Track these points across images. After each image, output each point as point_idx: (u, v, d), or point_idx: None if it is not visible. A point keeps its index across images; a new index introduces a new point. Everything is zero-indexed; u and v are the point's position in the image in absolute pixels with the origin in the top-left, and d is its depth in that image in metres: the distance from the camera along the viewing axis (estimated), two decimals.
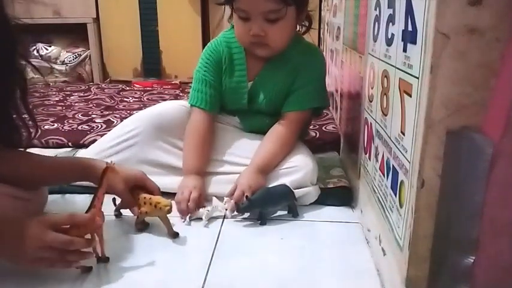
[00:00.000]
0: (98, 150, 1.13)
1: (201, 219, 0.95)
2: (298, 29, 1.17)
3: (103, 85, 2.54)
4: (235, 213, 0.96)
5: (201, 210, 0.97)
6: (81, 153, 1.24)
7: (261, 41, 1.05)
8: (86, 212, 0.77)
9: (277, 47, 1.07)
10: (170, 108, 1.15)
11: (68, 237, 0.72)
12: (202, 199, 1.01)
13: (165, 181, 1.05)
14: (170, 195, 1.03)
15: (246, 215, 0.98)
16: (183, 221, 0.95)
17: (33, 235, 0.70)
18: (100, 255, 0.79)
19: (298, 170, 1.03)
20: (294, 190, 0.98)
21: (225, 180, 1.05)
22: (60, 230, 0.72)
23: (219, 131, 1.15)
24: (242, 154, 1.09)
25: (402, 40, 0.66)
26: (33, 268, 0.75)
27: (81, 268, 0.77)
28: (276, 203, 0.97)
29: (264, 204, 0.95)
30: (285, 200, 0.97)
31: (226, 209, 0.97)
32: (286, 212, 0.99)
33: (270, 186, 1.00)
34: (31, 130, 0.91)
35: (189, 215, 0.96)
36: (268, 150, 1.05)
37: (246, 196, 0.94)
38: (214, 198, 1.01)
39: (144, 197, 0.89)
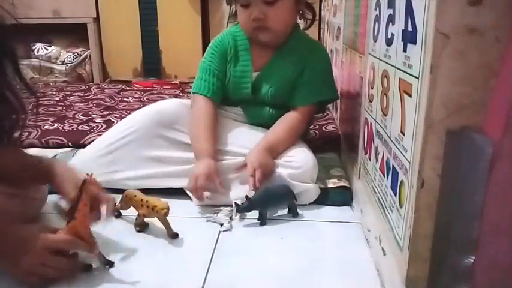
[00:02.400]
0: (98, 148, 1.13)
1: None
2: (300, 21, 1.20)
3: (103, 85, 2.54)
4: (238, 214, 0.96)
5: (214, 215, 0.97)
6: (81, 151, 1.24)
7: (262, 24, 1.08)
8: (67, 223, 0.74)
9: (278, 30, 1.11)
10: (169, 104, 1.15)
11: (67, 260, 0.73)
12: (216, 181, 0.99)
13: (165, 178, 1.06)
14: (169, 195, 1.03)
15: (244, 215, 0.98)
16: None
17: (33, 253, 0.70)
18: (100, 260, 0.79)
19: (297, 165, 1.03)
20: (293, 183, 0.99)
21: (229, 169, 1.05)
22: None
23: (222, 122, 1.15)
24: (244, 145, 1.09)
25: (402, 40, 0.66)
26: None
27: (81, 267, 0.77)
28: (276, 203, 0.97)
29: (264, 204, 0.95)
30: (285, 200, 0.97)
31: (232, 209, 0.97)
32: (286, 212, 0.99)
33: (270, 186, 1.00)
34: (28, 117, 0.87)
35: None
36: (277, 134, 1.08)
37: (246, 196, 0.94)
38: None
39: (141, 199, 0.89)
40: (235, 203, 0.95)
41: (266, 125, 1.15)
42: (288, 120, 1.12)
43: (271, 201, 0.96)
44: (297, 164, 1.03)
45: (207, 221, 0.96)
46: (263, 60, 1.15)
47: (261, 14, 1.07)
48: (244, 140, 1.10)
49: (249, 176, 0.99)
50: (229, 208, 0.98)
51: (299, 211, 0.99)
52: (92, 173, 0.78)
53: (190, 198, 1.05)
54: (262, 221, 0.95)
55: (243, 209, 0.94)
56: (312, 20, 1.20)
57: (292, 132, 1.10)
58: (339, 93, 1.45)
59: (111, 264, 0.79)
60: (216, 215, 0.97)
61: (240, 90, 1.15)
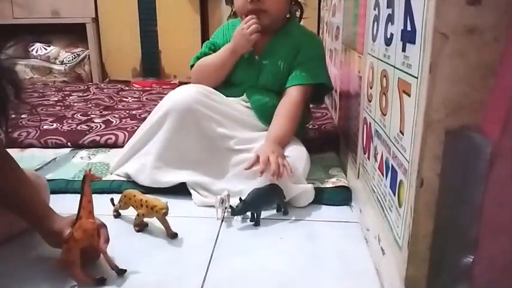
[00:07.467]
0: (133, 142, 1.12)
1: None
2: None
3: (102, 85, 2.54)
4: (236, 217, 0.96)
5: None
6: (113, 151, 1.26)
7: (259, 7, 1.12)
8: (73, 224, 0.73)
9: (275, 12, 1.14)
10: (189, 91, 1.08)
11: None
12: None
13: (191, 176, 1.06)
14: (168, 195, 1.03)
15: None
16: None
17: None
18: (110, 266, 0.77)
19: (291, 161, 1.03)
20: (289, 185, 0.99)
21: (241, 175, 1.04)
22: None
23: (228, 107, 1.15)
24: (250, 132, 1.12)
25: (401, 40, 0.66)
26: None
27: (92, 281, 0.74)
28: (267, 203, 0.97)
29: (258, 205, 0.95)
30: (275, 198, 0.97)
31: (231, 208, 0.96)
32: (277, 212, 0.99)
33: (258, 187, 0.97)
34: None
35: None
36: (280, 126, 1.10)
37: (240, 198, 0.93)
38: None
39: (141, 199, 0.89)
40: (230, 206, 0.94)
41: (267, 109, 1.15)
42: (286, 108, 1.13)
43: (263, 201, 0.95)
44: (291, 161, 1.03)
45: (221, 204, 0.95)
46: (261, 45, 1.18)
47: None
48: (251, 127, 1.14)
49: (260, 164, 0.97)
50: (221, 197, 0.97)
51: (297, 211, 0.99)
52: (91, 168, 0.76)
53: (189, 197, 1.05)
54: (256, 222, 0.95)
55: (238, 211, 0.93)
56: (299, 17, 1.25)
57: (293, 119, 1.12)
58: (338, 93, 1.46)
59: (122, 272, 0.76)
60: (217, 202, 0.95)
61: (246, 76, 1.18)
